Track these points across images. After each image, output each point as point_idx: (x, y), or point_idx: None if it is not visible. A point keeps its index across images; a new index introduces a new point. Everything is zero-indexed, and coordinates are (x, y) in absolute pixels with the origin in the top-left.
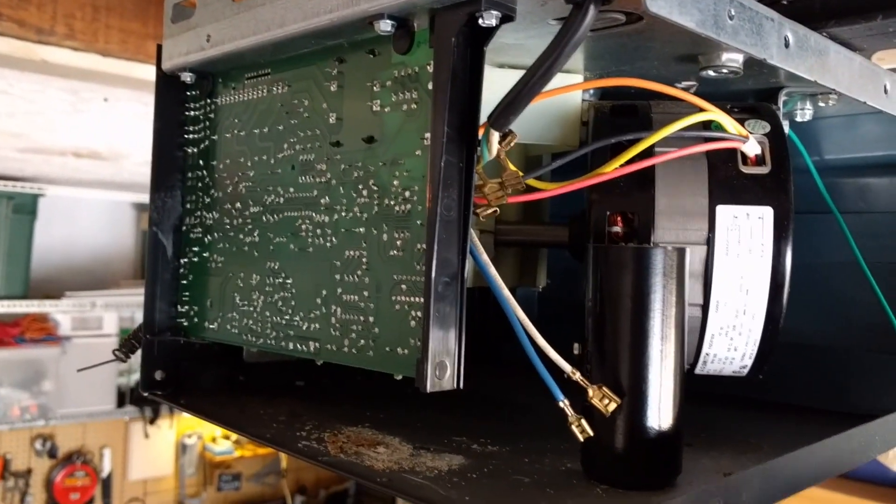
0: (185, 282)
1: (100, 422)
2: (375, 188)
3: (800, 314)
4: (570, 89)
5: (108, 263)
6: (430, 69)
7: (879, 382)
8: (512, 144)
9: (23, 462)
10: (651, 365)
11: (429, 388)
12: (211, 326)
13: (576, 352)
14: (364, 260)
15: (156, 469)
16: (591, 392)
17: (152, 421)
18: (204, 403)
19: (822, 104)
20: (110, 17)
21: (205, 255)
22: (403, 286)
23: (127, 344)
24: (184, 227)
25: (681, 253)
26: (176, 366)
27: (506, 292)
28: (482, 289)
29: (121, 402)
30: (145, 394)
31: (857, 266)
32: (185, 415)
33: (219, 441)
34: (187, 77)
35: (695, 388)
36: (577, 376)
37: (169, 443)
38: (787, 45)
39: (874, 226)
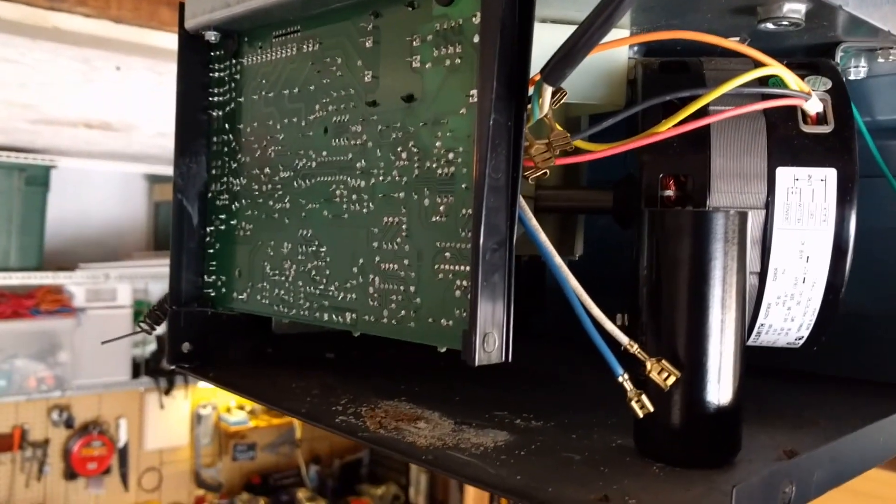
0: (211, 251)
1: (115, 392)
2: (416, 150)
3: (851, 283)
4: (618, 44)
5: (120, 235)
6: (476, 21)
7: None
8: (561, 102)
9: (40, 432)
10: (711, 337)
11: (477, 362)
12: (240, 297)
13: (618, 322)
14: (404, 227)
15: (171, 439)
16: (649, 365)
17: (167, 392)
18: (233, 376)
19: (881, 59)
20: None
21: (232, 222)
22: (447, 254)
23: (152, 315)
24: (209, 194)
25: (743, 217)
26: (203, 338)
27: (559, 260)
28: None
29: (136, 373)
30: (172, 366)
31: None
32: (201, 385)
33: (233, 411)
34: (212, 36)
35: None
36: (636, 349)
37: (184, 413)
38: None
39: None
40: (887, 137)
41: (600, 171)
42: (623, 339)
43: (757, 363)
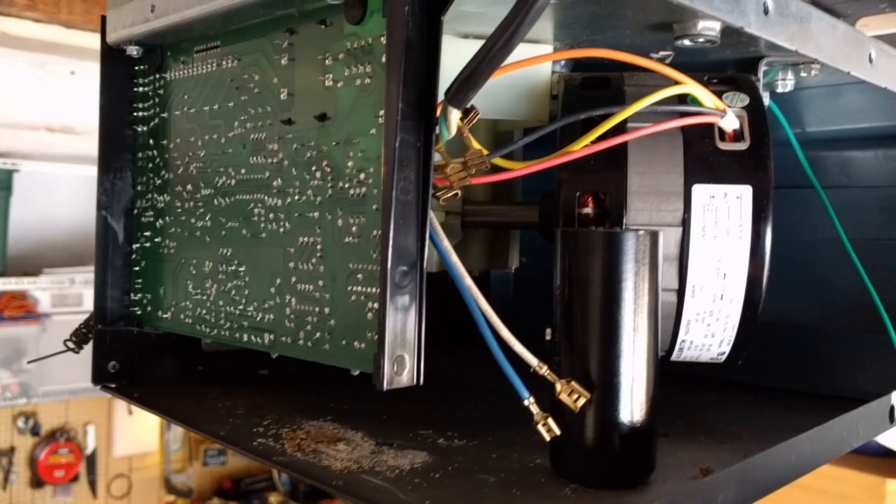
0: (137, 268)
1: (83, 399)
2: (329, 169)
3: (779, 293)
4: (537, 61)
5: (86, 240)
6: (384, 41)
7: (861, 363)
8: (474, 121)
9: (5, 440)
10: (623, 357)
11: (385, 386)
12: (164, 315)
13: (548, 337)
14: (319, 247)
15: (141, 445)
16: (559, 387)
17: None
18: (159, 397)
19: (804, 74)
20: None
21: (157, 240)
22: (359, 276)
23: (78, 334)
24: (135, 211)
25: (654, 236)
26: (130, 356)
27: (468, 281)
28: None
29: None
30: (97, 386)
31: (839, 242)
32: None
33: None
34: (133, 50)
35: (671, 370)
36: (545, 370)
37: (153, 419)
38: (766, 11)
39: (856, 201)
40: (817, 149)
41: (544, 182)
42: (532, 360)
43: (685, 373)
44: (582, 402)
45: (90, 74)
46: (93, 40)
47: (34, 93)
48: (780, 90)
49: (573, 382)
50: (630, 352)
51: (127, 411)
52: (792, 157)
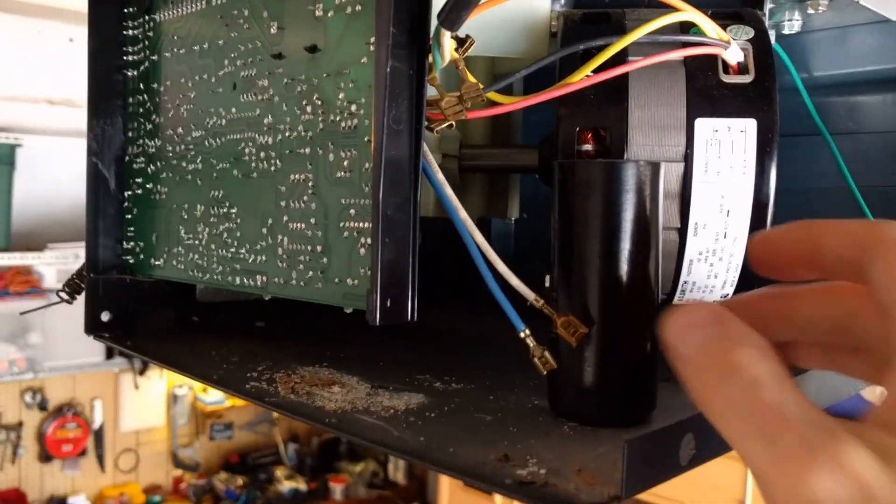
0: (129, 216)
1: (89, 373)
2: (320, 102)
3: None
4: None
5: None
6: None
7: None
8: (469, 51)
9: (13, 415)
10: (622, 291)
11: (378, 321)
12: (157, 263)
13: (547, 284)
14: (310, 184)
15: (147, 420)
16: (557, 321)
17: (142, 372)
18: (151, 344)
19: (811, 11)
20: None
21: (148, 186)
22: (352, 211)
23: (71, 284)
24: (126, 158)
25: (655, 167)
26: (123, 306)
27: (463, 214)
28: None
29: (109, 353)
30: (90, 336)
31: (847, 191)
32: None
33: (210, 391)
34: None
35: None
36: (542, 304)
37: (160, 393)
38: None
39: (865, 147)
40: (824, 94)
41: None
42: (529, 294)
43: None
44: (580, 335)
45: None
46: None
47: (32, 62)
48: (786, 31)
49: (571, 316)
50: (630, 286)
51: (133, 386)
52: (798, 103)
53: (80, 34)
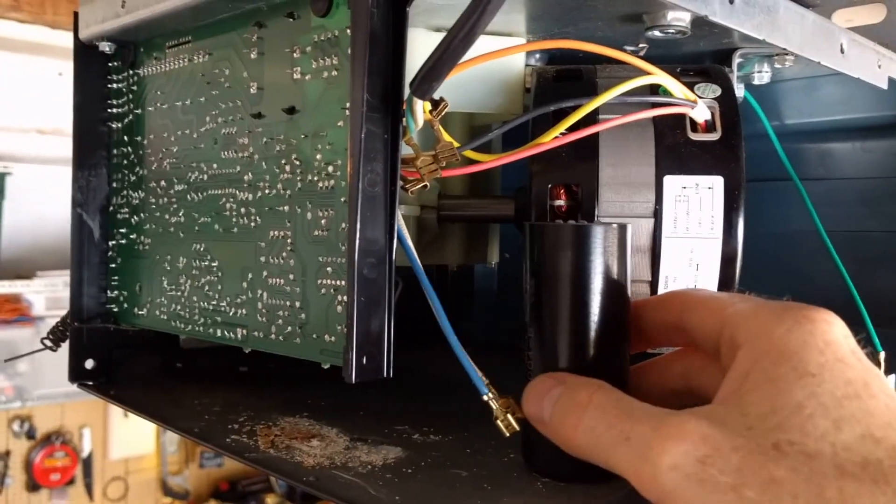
0: (113, 265)
1: (78, 402)
2: (298, 162)
3: (757, 286)
4: (506, 53)
5: None
6: (349, 32)
7: None
8: (443, 114)
9: (1, 444)
10: (593, 351)
11: (354, 379)
12: (140, 312)
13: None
14: (289, 241)
15: (137, 448)
16: (496, 411)
17: None
18: (135, 394)
19: (778, 66)
20: None
21: (132, 236)
22: (329, 269)
23: (55, 332)
24: (111, 208)
25: (622, 229)
26: (107, 354)
27: (426, 281)
28: (438, 267)
29: None
30: (74, 384)
31: (817, 235)
32: None
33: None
34: (106, 47)
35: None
36: (490, 396)
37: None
38: (731, 0)
39: (834, 193)
40: (795, 141)
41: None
42: (482, 383)
43: None
44: (517, 418)
45: None
46: None
47: (23, 95)
48: (756, 82)
49: (511, 400)
50: (601, 345)
51: (123, 414)
52: (770, 149)
53: (69, 68)
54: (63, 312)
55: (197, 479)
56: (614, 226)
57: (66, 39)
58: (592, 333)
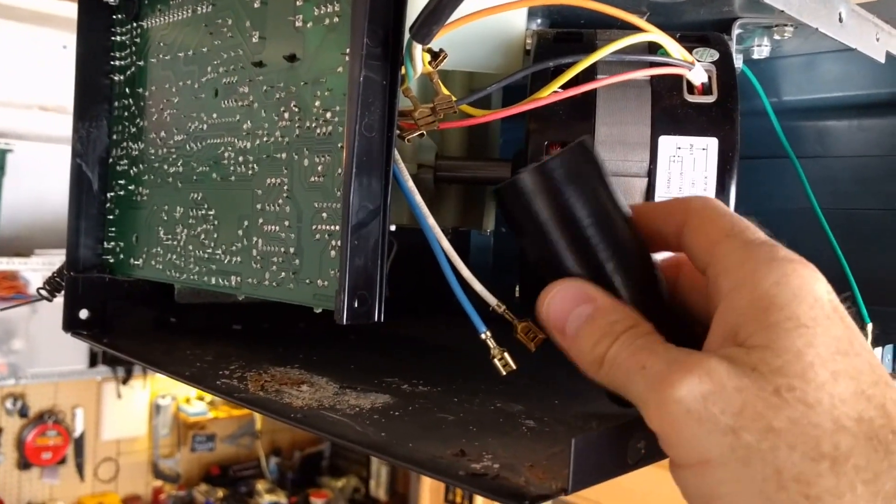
0: (111, 217)
1: (71, 381)
2: (297, 109)
3: None
4: (507, 7)
5: None
6: None
7: None
8: (443, 65)
9: None
10: (619, 285)
11: (346, 321)
12: (136, 262)
13: (517, 294)
14: (286, 187)
15: (129, 429)
16: (518, 326)
17: (125, 381)
18: (128, 343)
19: (777, 37)
20: None
21: (131, 187)
22: (324, 214)
23: (52, 282)
24: (110, 160)
25: (581, 146)
26: (102, 305)
27: (431, 221)
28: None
29: (93, 361)
30: (68, 332)
31: (812, 213)
32: (160, 376)
33: (193, 402)
34: None
35: None
36: (503, 309)
37: (142, 403)
38: None
39: (831, 171)
40: (792, 118)
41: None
42: (491, 300)
43: None
44: (539, 340)
45: None
46: None
47: (26, 68)
48: (756, 56)
49: (530, 321)
50: (625, 279)
51: (116, 395)
52: (767, 126)
53: (73, 41)
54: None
55: (188, 463)
56: (572, 145)
57: (71, 10)
58: (609, 269)
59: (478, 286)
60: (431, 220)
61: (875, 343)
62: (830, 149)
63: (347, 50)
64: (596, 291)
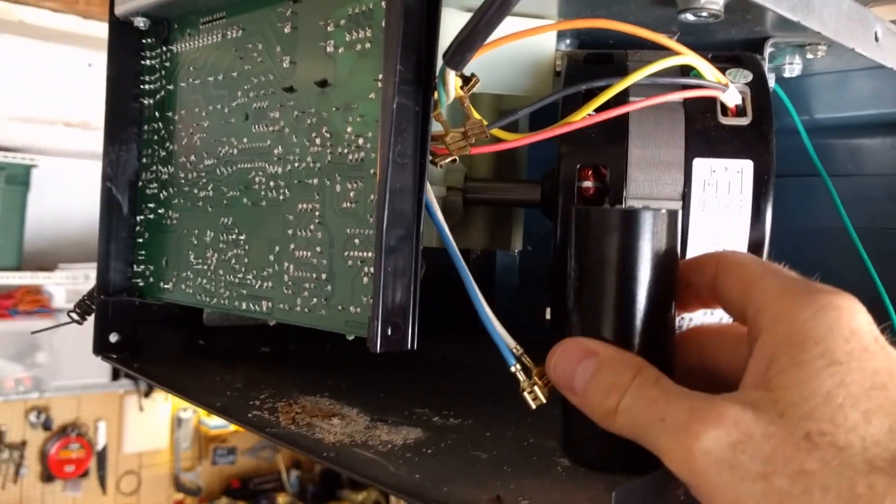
0: (141, 240)
1: (94, 394)
2: (328, 135)
3: None
4: (537, 31)
5: None
6: (384, 4)
7: None
8: (474, 89)
9: (17, 434)
10: (639, 338)
11: (379, 349)
12: (166, 286)
13: (548, 316)
14: (317, 213)
15: (151, 442)
16: (534, 371)
17: (147, 394)
18: (158, 368)
19: (810, 56)
20: None
21: (160, 211)
22: (356, 240)
23: (82, 305)
24: (140, 183)
25: (672, 215)
26: (132, 328)
27: (456, 252)
28: (461, 251)
29: (115, 375)
30: (98, 356)
31: (844, 232)
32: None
33: (214, 415)
34: (141, 22)
35: None
36: (521, 353)
37: (164, 416)
38: None
39: (864, 189)
40: (824, 136)
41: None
42: (510, 342)
43: None
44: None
45: None
46: None
47: (51, 85)
48: (787, 74)
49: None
50: (647, 331)
51: (138, 408)
52: (798, 144)
53: (98, 59)
54: None
55: (209, 476)
56: (663, 211)
57: (96, 29)
58: (638, 320)
59: (498, 327)
60: (457, 253)
61: None
62: (863, 167)
63: (380, 76)
64: (597, 344)
